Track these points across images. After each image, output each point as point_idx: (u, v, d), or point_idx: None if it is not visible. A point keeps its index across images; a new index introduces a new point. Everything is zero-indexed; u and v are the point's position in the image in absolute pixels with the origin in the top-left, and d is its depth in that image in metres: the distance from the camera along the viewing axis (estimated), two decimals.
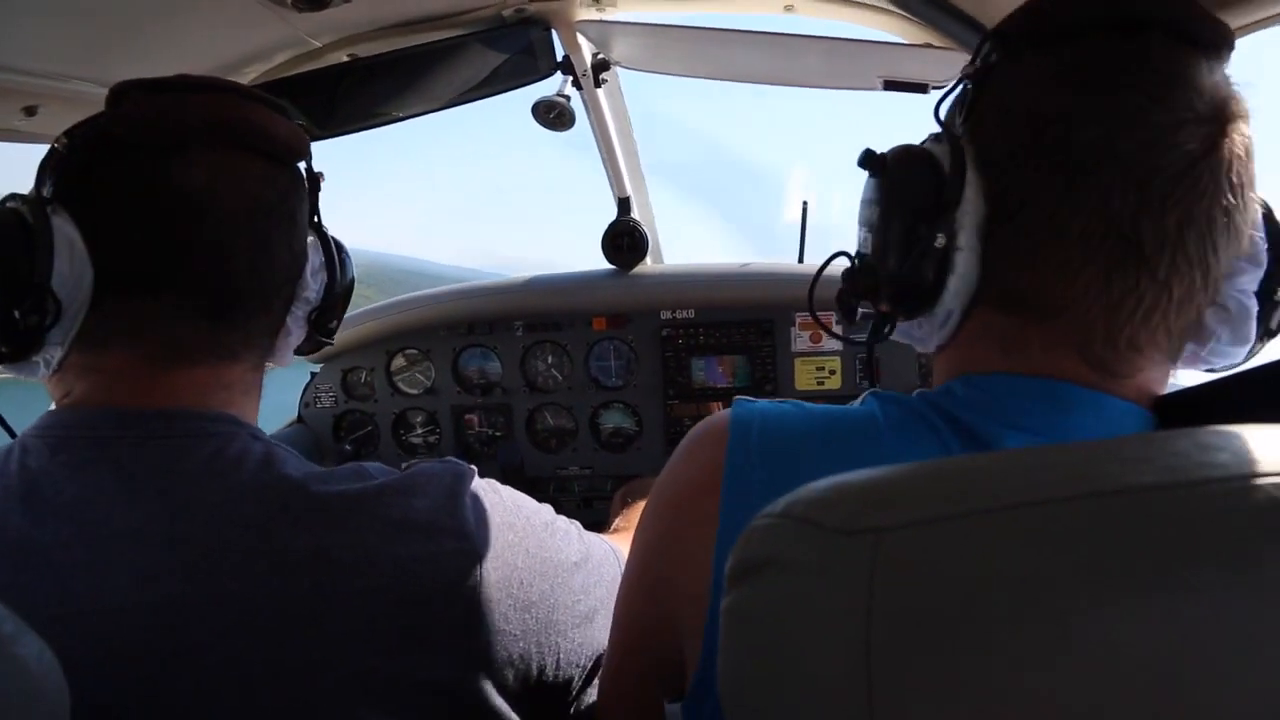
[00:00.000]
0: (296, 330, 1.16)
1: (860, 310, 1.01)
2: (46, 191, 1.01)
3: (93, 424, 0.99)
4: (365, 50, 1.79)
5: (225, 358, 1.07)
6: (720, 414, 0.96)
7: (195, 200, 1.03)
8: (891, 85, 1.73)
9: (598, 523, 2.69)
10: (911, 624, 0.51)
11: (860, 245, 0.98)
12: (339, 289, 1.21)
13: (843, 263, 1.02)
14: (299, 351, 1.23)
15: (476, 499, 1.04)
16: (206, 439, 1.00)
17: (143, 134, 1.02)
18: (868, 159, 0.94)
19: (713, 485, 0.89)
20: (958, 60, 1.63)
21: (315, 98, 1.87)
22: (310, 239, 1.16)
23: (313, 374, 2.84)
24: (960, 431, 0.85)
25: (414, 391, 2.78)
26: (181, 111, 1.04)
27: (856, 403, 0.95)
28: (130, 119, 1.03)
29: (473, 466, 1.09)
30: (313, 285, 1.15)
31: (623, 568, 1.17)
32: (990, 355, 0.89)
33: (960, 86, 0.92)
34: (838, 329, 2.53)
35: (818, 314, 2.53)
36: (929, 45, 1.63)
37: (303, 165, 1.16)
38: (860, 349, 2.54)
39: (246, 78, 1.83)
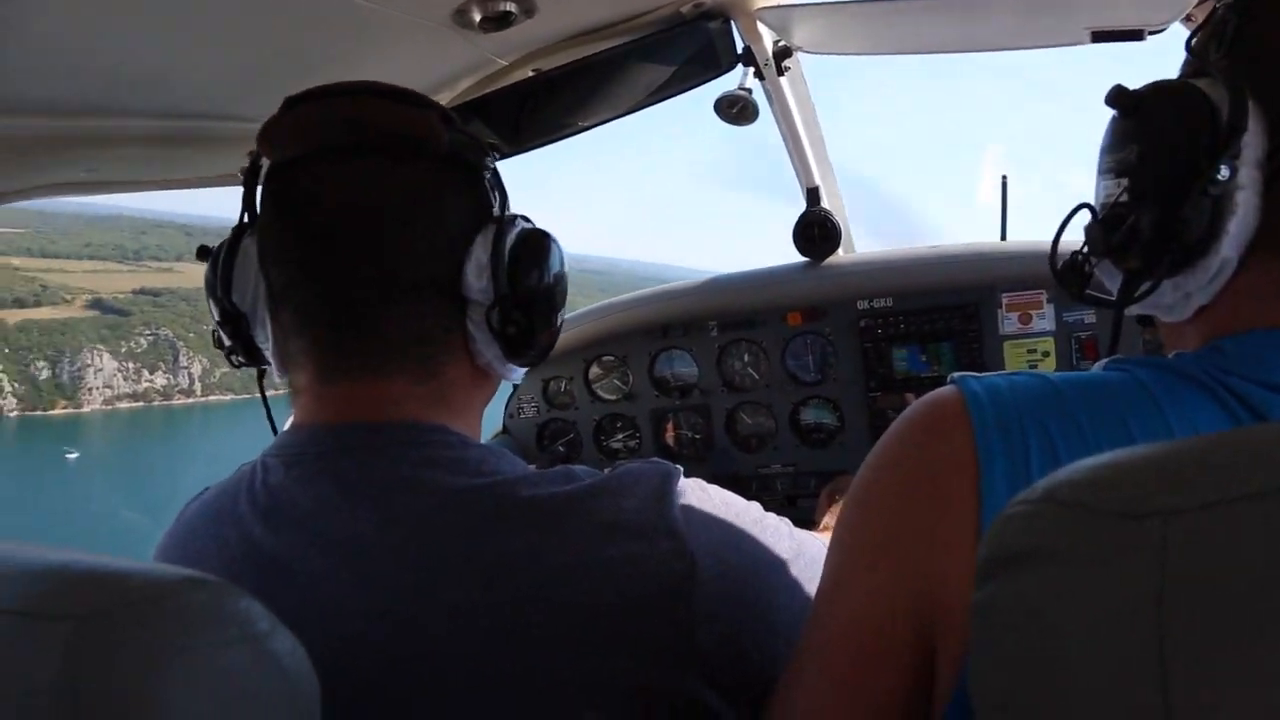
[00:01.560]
0: (481, 336, 1.09)
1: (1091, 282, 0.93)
2: (246, 217, 1.13)
3: (316, 440, 1.05)
4: (548, 64, 1.83)
5: (386, 371, 1.06)
6: (941, 390, 0.88)
7: (300, 207, 1.06)
8: (1101, 36, 1.59)
9: (803, 521, 2.63)
10: (1212, 614, 0.45)
11: (1106, 196, 0.89)
12: (523, 288, 1.09)
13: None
14: (517, 361, 1.13)
15: (685, 497, 1.03)
16: (418, 448, 1.02)
17: (274, 150, 1.08)
18: (1119, 97, 0.85)
19: (965, 463, 0.80)
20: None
21: (503, 115, 1.92)
22: (480, 236, 1.08)
23: (515, 386, 2.93)
24: (1236, 396, 0.76)
25: (613, 398, 2.82)
26: (298, 121, 1.06)
27: (1096, 368, 0.86)
28: (263, 136, 1.08)
29: (679, 466, 1.07)
30: (476, 284, 1.06)
31: None
32: (1263, 309, 0.80)
33: (1218, 17, 0.83)
34: (1049, 307, 2.37)
35: (1025, 292, 2.42)
36: None
37: (471, 159, 1.09)
38: (1073, 328, 2.38)
39: (441, 100, 1.90)
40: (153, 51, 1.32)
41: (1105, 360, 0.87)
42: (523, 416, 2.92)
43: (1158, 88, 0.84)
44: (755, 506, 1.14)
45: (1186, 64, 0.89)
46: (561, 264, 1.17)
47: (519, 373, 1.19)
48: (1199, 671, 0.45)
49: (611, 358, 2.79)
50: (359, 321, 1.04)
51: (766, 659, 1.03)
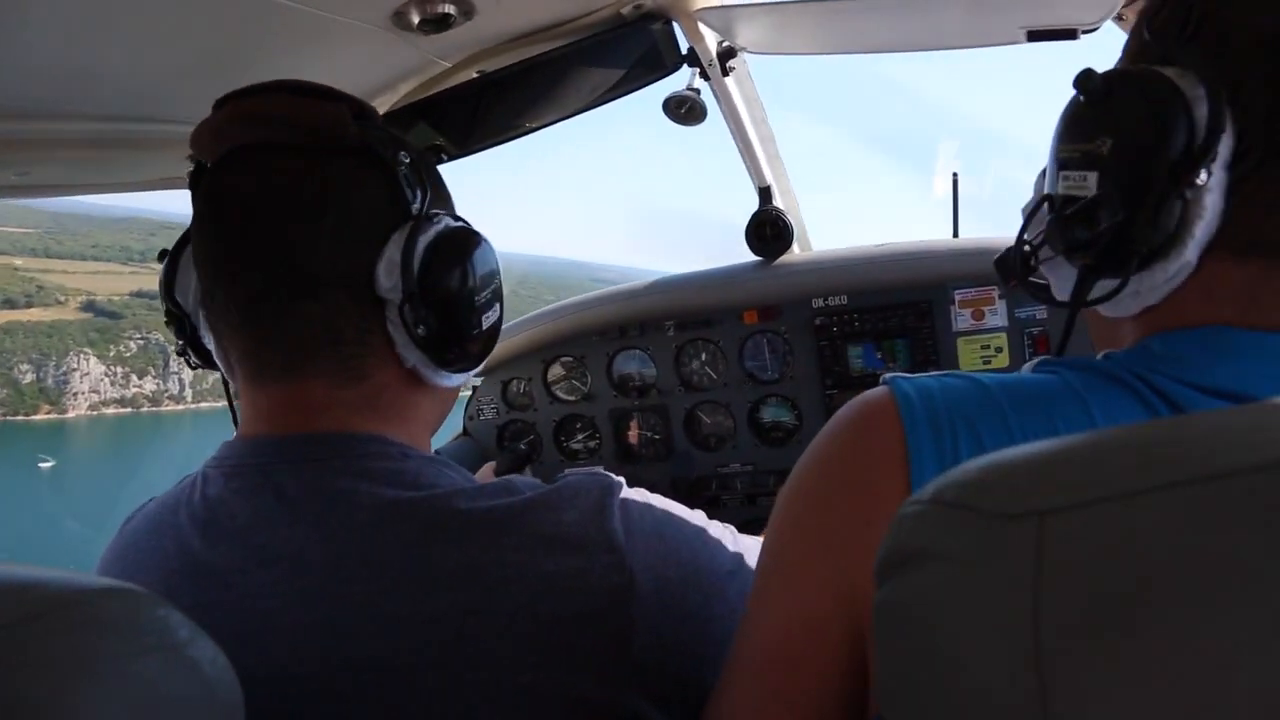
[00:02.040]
0: (400, 338, 1.06)
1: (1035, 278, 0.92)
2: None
3: (256, 452, 1.04)
4: (493, 65, 1.82)
5: (306, 373, 1.04)
6: (871, 390, 0.88)
7: (215, 207, 1.05)
8: (1036, 35, 1.61)
9: (761, 519, 2.65)
10: (1087, 616, 0.45)
11: (1066, 188, 0.85)
12: (435, 287, 1.05)
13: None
14: (441, 364, 1.09)
15: (626, 510, 1.02)
16: (356, 459, 1.01)
17: (200, 152, 1.07)
18: (1087, 81, 0.81)
19: (895, 461, 0.80)
20: None
21: (449, 117, 1.91)
22: (396, 234, 1.04)
23: (474, 388, 2.92)
24: (1160, 395, 0.77)
25: (572, 398, 2.82)
26: (217, 123, 1.05)
27: (1026, 369, 0.87)
28: (193, 140, 1.07)
29: (620, 478, 1.06)
30: (387, 283, 1.02)
31: None
32: (1205, 308, 0.80)
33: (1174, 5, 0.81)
34: (1001, 304, 2.39)
35: (977, 289, 2.43)
36: None
37: (395, 154, 1.05)
38: (1026, 324, 2.40)
39: (381, 106, 1.89)
40: (86, 52, 1.29)
41: (1035, 360, 0.87)
42: (482, 418, 2.91)
43: (1127, 75, 0.81)
44: (698, 516, 1.13)
45: (1143, 48, 0.85)
46: (489, 264, 1.13)
47: (453, 379, 1.14)
48: (1075, 672, 0.45)
49: (569, 358, 2.79)
50: (270, 320, 1.02)
51: (707, 672, 1.02)
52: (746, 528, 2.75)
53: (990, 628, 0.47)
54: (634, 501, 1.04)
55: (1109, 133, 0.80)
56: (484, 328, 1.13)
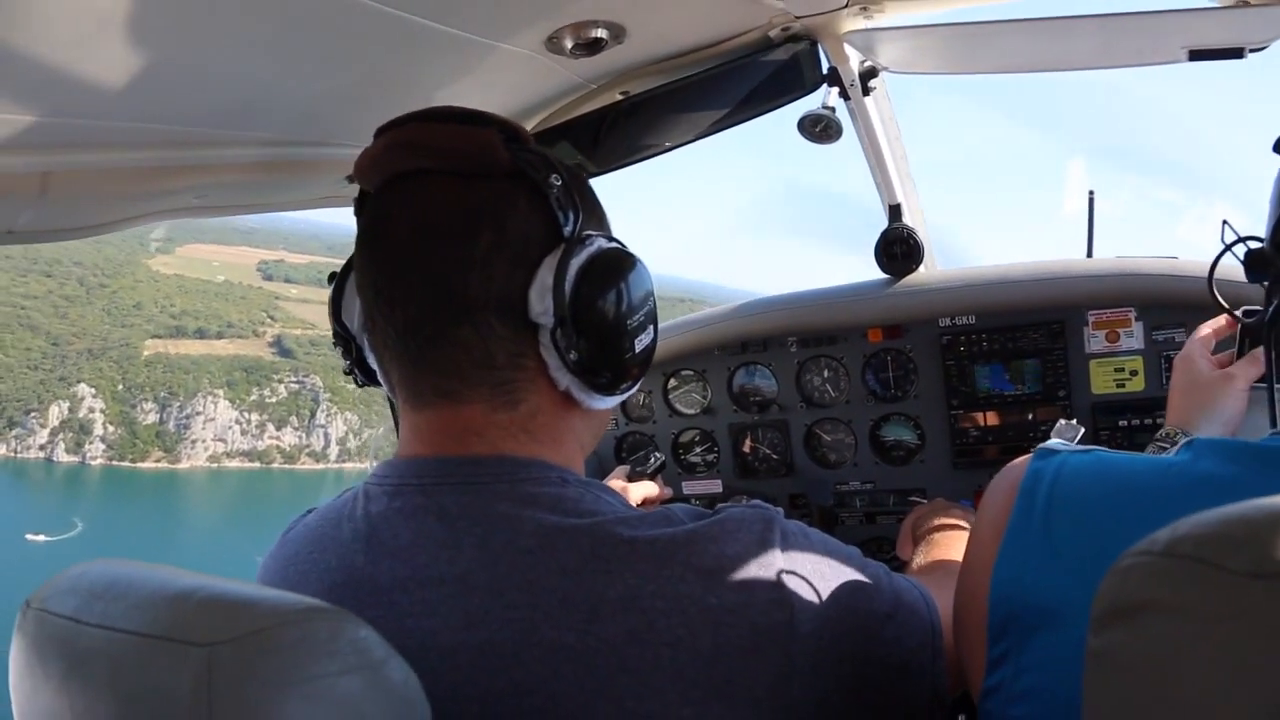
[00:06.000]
0: (554, 361, 1.06)
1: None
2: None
3: (417, 472, 1.08)
4: (638, 86, 1.86)
5: (461, 397, 1.07)
6: (1019, 461, 1.02)
7: (373, 234, 1.09)
8: (1199, 55, 1.57)
9: (880, 538, 2.64)
10: None
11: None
12: (587, 311, 1.05)
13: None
14: (593, 386, 1.09)
15: (788, 546, 1.02)
16: (518, 484, 1.04)
17: (362, 180, 1.13)
18: None
19: (997, 532, 0.94)
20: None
21: (591, 137, 1.96)
22: (549, 257, 1.04)
23: None
24: None
25: (691, 411, 2.83)
26: (377, 151, 1.09)
27: (1173, 452, 0.89)
28: (356, 168, 1.13)
29: (779, 509, 1.07)
30: (540, 306, 1.03)
31: (932, 613, 1.13)
32: None
33: None
34: (1138, 325, 2.32)
35: (1112, 310, 2.37)
36: (1244, 4, 1.47)
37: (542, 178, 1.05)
38: (1167, 348, 2.33)
39: (531, 124, 1.95)
40: (259, 81, 1.38)
41: (1185, 440, 0.95)
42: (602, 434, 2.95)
43: None
44: (855, 554, 1.13)
45: None
46: (644, 286, 1.13)
47: (607, 401, 1.14)
48: None
49: (690, 372, 2.81)
50: (426, 345, 1.05)
51: (862, 713, 1.03)
52: (867, 546, 2.72)
53: (1236, 685, 0.47)
54: (795, 536, 1.05)
55: None
56: (637, 350, 1.12)
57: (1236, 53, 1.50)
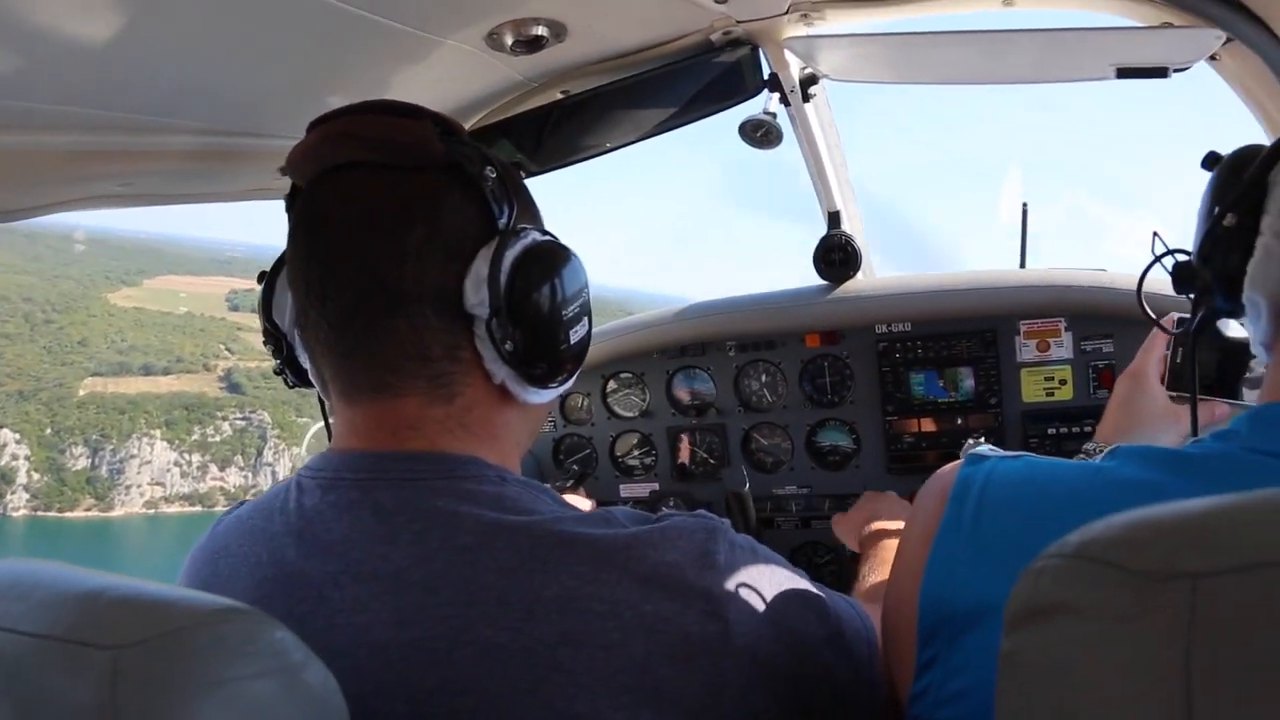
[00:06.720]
0: (489, 354, 1.06)
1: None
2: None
3: (352, 466, 1.05)
4: (578, 86, 1.85)
5: (397, 390, 1.05)
6: (949, 467, 1.02)
7: (305, 227, 1.07)
8: (1126, 72, 1.61)
9: (814, 542, 2.66)
10: (1240, 679, 0.45)
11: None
12: (522, 302, 1.05)
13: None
14: (529, 379, 1.09)
15: (730, 558, 1.01)
16: (456, 480, 1.02)
17: (293, 174, 1.10)
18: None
19: (927, 537, 0.96)
20: (1203, 39, 1.50)
21: (532, 136, 1.94)
22: (484, 249, 1.04)
23: None
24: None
25: (629, 414, 2.83)
26: (309, 144, 1.07)
27: (1099, 458, 0.92)
28: (288, 162, 1.10)
29: (725, 520, 1.06)
30: (475, 298, 1.03)
31: (871, 641, 1.13)
32: None
33: None
34: (1067, 336, 2.37)
35: (1043, 320, 2.42)
36: (1168, 25, 1.51)
37: (483, 170, 1.05)
38: (1095, 358, 2.38)
39: (469, 121, 1.93)
40: (193, 69, 1.34)
41: (1110, 447, 0.95)
42: (539, 431, 2.93)
43: None
44: (800, 575, 1.12)
45: None
46: (578, 280, 1.13)
47: (542, 395, 1.14)
48: None
49: (629, 375, 2.80)
50: (359, 337, 1.04)
51: None
52: (801, 551, 2.73)
53: (1139, 686, 0.48)
54: (738, 549, 1.04)
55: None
56: (572, 342, 1.13)
57: (1161, 72, 1.55)
